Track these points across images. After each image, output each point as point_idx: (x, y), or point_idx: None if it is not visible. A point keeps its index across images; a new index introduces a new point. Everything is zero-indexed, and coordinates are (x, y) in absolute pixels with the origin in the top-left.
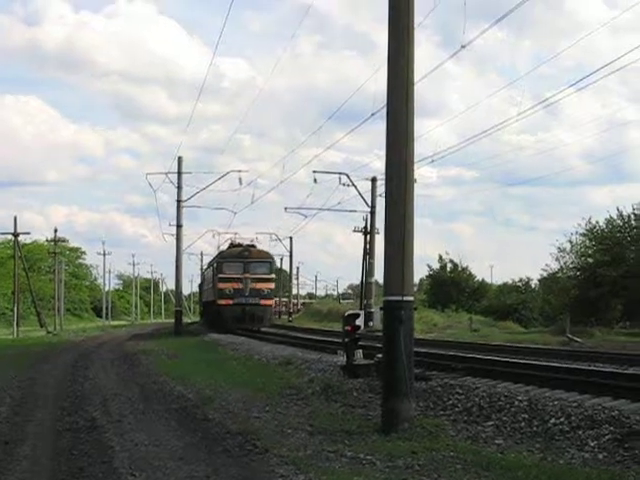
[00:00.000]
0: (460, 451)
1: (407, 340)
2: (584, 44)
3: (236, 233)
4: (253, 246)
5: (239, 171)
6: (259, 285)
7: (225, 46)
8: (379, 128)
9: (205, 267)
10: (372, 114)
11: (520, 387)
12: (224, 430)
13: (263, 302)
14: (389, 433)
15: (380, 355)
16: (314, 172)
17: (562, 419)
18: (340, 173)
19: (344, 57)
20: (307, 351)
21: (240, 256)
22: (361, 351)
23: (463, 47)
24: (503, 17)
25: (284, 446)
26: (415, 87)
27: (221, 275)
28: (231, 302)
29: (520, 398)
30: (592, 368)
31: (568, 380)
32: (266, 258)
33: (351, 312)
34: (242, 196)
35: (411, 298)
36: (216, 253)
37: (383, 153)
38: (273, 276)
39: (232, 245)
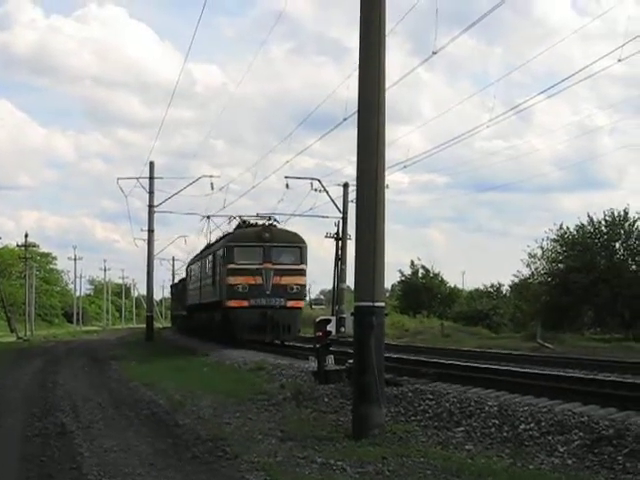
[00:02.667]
0: (430, 457)
1: (378, 346)
2: (555, 51)
3: (239, 216)
4: (274, 225)
5: (211, 176)
6: (285, 279)
7: (197, 51)
8: (351, 134)
9: (192, 259)
10: (344, 119)
11: (491, 392)
12: (194, 436)
13: (291, 304)
14: (360, 439)
15: (351, 361)
16: (286, 177)
17: (532, 424)
18: (312, 179)
19: (316, 63)
20: (278, 357)
21: (259, 238)
22: (332, 357)
23: (434, 53)
24: (473, 24)
25: (254, 452)
26: (387, 93)
27: (232, 265)
28: (246, 304)
29: (490, 404)
30: (562, 374)
31: (538, 386)
32: (295, 242)
33: (322, 318)
34: (214, 201)
35: (382, 304)
36: (219, 237)
37: (355, 159)
38: (304, 267)
39: (244, 224)
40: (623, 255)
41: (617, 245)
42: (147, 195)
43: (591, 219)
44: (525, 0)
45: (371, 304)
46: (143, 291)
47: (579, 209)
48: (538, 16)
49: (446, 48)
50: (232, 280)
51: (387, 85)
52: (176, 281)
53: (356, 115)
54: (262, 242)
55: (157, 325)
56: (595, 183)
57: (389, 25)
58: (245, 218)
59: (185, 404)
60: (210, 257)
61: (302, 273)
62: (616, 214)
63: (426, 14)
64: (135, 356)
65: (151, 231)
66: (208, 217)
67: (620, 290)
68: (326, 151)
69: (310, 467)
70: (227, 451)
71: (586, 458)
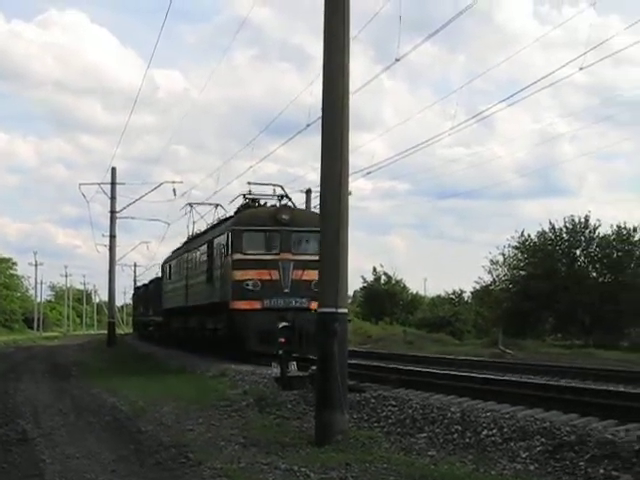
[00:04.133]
0: (393, 463)
1: (341, 352)
2: (516, 59)
3: (243, 194)
4: (289, 206)
5: (173, 182)
6: (309, 274)
7: (159, 57)
8: (314, 140)
9: (172, 255)
10: (307, 125)
11: (453, 399)
12: (157, 442)
13: (315, 306)
14: (323, 445)
15: (314, 367)
16: (248, 183)
17: (494, 431)
18: (275, 185)
19: (279, 69)
20: (241, 363)
21: (275, 221)
22: (295, 363)
23: (397, 60)
24: (436, 32)
25: (217, 458)
26: (350, 100)
27: (239, 256)
28: (257, 306)
29: (453, 410)
30: (524, 380)
31: (500, 392)
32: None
33: (285, 324)
34: (176, 207)
35: (345, 310)
36: (216, 221)
37: (318, 165)
38: None
39: (253, 203)
40: (584, 262)
41: (578, 252)
42: (109, 201)
43: (552, 226)
44: (487, 8)
45: (334, 310)
46: (104, 297)
47: (540, 216)
48: (499, 24)
49: (408, 56)
50: (239, 275)
51: (350, 91)
52: (141, 284)
53: (319, 121)
54: (279, 225)
55: (119, 331)
56: (556, 190)
57: (352, 32)
58: (250, 196)
59: (147, 410)
60: (203, 248)
61: None
62: (577, 221)
63: (388, 21)
64: (97, 362)
65: (113, 237)
66: (191, 205)
67: (580, 297)
68: (289, 157)
69: (274, 473)
70: (190, 457)
71: (548, 464)
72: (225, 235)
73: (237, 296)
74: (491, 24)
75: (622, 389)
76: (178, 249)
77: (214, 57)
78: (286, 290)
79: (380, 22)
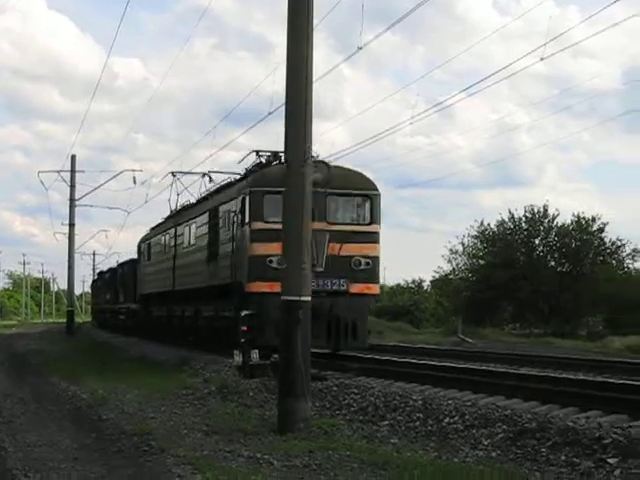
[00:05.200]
0: (356, 450)
1: (304, 340)
2: (476, 49)
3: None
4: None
5: (133, 170)
6: (349, 249)
7: (118, 45)
8: (275, 128)
9: (154, 230)
10: (269, 113)
11: (415, 387)
12: (119, 430)
13: (358, 288)
14: (285, 433)
15: (276, 355)
16: (209, 172)
17: (456, 418)
18: (235, 173)
19: (239, 58)
20: (203, 352)
21: None
22: (257, 351)
23: (360, 49)
24: (397, 22)
25: (180, 446)
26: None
27: (259, 225)
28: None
29: (415, 397)
30: (485, 368)
31: (462, 380)
32: (364, 187)
33: (248, 312)
34: (136, 195)
35: (308, 298)
36: (224, 182)
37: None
38: (378, 229)
39: (274, 158)
40: (542, 251)
41: (537, 241)
42: (68, 189)
43: (512, 215)
44: None
45: (298, 298)
46: (63, 285)
47: (499, 206)
48: (459, 14)
49: (369, 45)
50: (260, 249)
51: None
52: (108, 268)
53: (281, 109)
54: (312, 187)
55: (77, 320)
56: (515, 180)
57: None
58: (265, 151)
59: (109, 399)
60: (201, 219)
61: (375, 239)
62: (536, 211)
63: (348, 10)
64: (56, 350)
65: (72, 225)
66: (173, 174)
67: (539, 286)
68: (250, 146)
69: (237, 461)
70: (153, 445)
71: (510, 450)
72: (238, 200)
73: (256, 275)
74: (451, 15)
75: (581, 377)
76: (160, 224)
77: (174, 46)
78: (320, 269)
79: (339, 11)
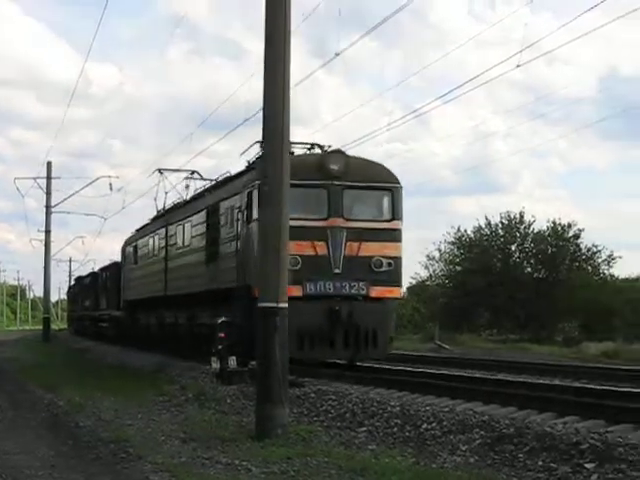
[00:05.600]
0: (334, 456)
1: (281, 346)
2: (452, 56)
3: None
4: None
5: (109, 177)
6: (368, 248)
7: (94, 51)
8: (251, 135)
9: (140, 232)
10: (245, 119)
11: (393, 393)
12: (96, 438)
13: (379, 292)
14: (263, 439)
15: (254, 362)
16: (185, 178)
17: (434, 424)
18: (211, 180)
19: (215, 64)
20: (180, 358)
21: (322, 172)
22: (234, 358)
23: (337, 55)
24: (373, 29)
25: (158, 453)
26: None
27: None
28: (297, 293)
29: (393, 404)
30: (462, 374)
31: (439, 386)
32: (385, 180)
33: (224, 319)
34: (112, 202)
35: (285, 304)
36: (224, 175)
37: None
38: (400, 226)
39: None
40: (519, 258)
41: (513, 248)
42: (44, 195)
43: (488, 222)
44: (422, 6)
45: (275, 305)
46: (39, 293)
47: (476, 212)
48: (435, 22)
49: (345, 51)
50: None
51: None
52: (88, 273)
53: (258, 115)
54: (327, 178)
55: (53, 327)
56: (491, 187)
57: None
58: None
59: (85, 406)
60: (198, 217)
61: (397, 237)
62: (512, 217)
63: (324, 17)
64: (32, 358)
65: (48, 232)
66: (161, 171)
67: (516, 292)
68: (226, 151)
69: (215, 467)
70: (130, 452)
71: (488, 456)
72: (243, 194)
73: None
74: (427, 22)
75: (558, 382)
76: (147, 225)
77: (150, 52)
78: (337, 270)
79: (316, 17)
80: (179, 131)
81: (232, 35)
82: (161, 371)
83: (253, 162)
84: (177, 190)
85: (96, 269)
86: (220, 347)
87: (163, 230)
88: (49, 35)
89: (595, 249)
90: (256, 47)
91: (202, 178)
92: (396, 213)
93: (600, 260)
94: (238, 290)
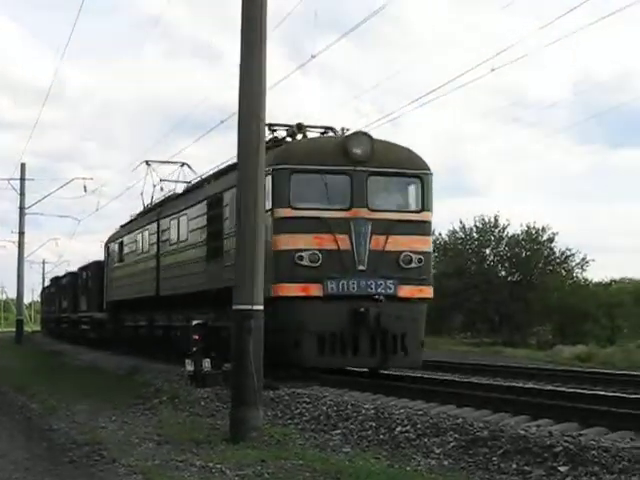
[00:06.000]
0: (309, 459)
1: (256, 349)
2: (427, 59)
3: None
4: (366, 134)
5: (83, 178)
6: (396, 242)
7: (70, 51)
8: (224, 138)
9: (124, 229)
10: (221, 121)
11: (367, 396)
12: (70, 440)
13: (408, 292)
14: (238, 442)
15: (228, 364)
16: (161, 180)
17: (408, 427)
18: (186, 182)
19: (190, 66)
20: (154, 361)
21: (344, 157)
22: (209, 360)
23: (313, 57)
24: (349, 32)
25: (132, 456)
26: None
27: (284, 212)
28: (317, 292)
29: (367, 407)
30: (437, 377)
31: (414, 389)
32: (413, 167)
33: (199, 321)
34: (87, 204)
35: (261, 307)
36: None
37: (230, 162)
38: (430, 217)
39: (300, 130)
40: (493, 261)
41: (487, 251)
42: (18, 197)
43: (463, 225)
44: (398, 9)
45: (250, 307)
46: (12, 294)
47: (450, 215)
48: (411, 25)
49: (322, 54)
50: (285, 242)
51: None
52: (65, 273)
53: (233, 117)
54: (350, 164)
55: (27, 329)
56: (465, 190)
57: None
58: (280, 125)
59: (59, 409)
60: (197, 209)
61: (427, 230)
62: (487, 220)
63: (300, 19)
64: (5, 360)
65: (22, 233)
66: (148, 163)
67: (490, 295)
68: (200, 153)
69: (189, 470)
70: (104, 455)
71: (462, 459)
72: (274, 176)
73: (283, 276)
74: (403, 25)
75: (532, 385)
76: (134, 220)
77: (125, 53)
78: (361, 267)
79: (294, 20)
80: (155, 133)
81: (208, 36)
82: (136, 374)
83: (276, 143)
84: (175, 183)
85: (70, 270)
86: (194, 349)
87: (155, 224)
88: (24, 35)
89: (569, 252)
90: (232, 49)
91: (190, 168)
92: (426, 203)
93: (574, 264)
94: (221, 290)
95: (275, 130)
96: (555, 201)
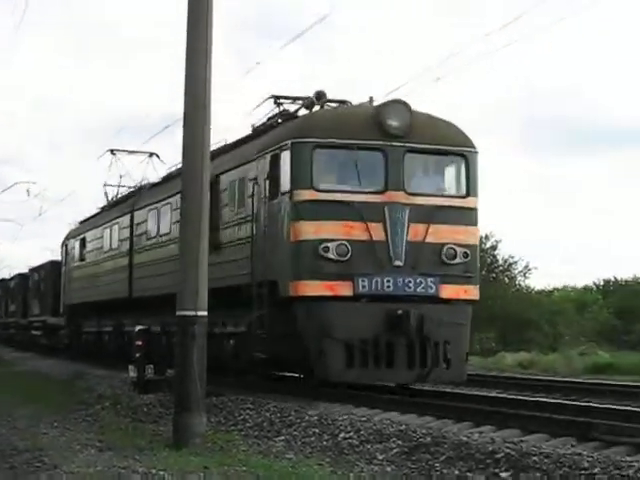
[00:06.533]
0: (252, 466)
1: (199, 355)
2: (371, 68)
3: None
4: (403, 103)
5: (26, 182)
6: (438, 233)
7: (13, 52)
8: (172, 140)
9: (87, 221)
10: (166, 126)
11: (310, 402)
12: (10, 447)
13: (452, 292)
14: (181, 448)
15: (171, 370)
16: (105, 185)
17: (352, 433)
18: (131, 187)
19: (137, 70)
20: (97, 367)
21: (374, 129)
22: (152, 366)
23: (258, 63)
24: (297, 37)
25: (74, 462)
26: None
27: (306, 195)
28: (346, 291)
29: (310, 413)
30: (379, 384)
31: (357, 396)
32: (458, 144)
33: (142, 327)
34: (29, 208)
35: (204, 313)
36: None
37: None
38: (476, 204)
39: (319, 100)
40: None
41: None
42: None
43: None
44: (346, 17)
45: (194, 314)
46: None
47: None
48: (355, 33)
49: (266, 61)
50: (307, 230)
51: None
52: (13, 275)
53: (179, 122)
54: (384, 138)
55: None
56: None
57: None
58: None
59: None
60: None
61: (473, 219)
62: None
63: (248, 27)
64: None
65: None
66: (113, 152)
67: None
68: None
69: (131, 477)
70: (45, 462)
71: (404, 465)
72: (264, 161)
73: (303, 271)
74: (347, 33)
75: (475, 392)
76: (99, 214)
77: (68, 55)
78: (397, 262)
79: (240, 27)
80: (102, 136)
81: (155, 39)
82: (79, 379)
83: (266, 125)
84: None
85: (13, 274)
86: (138, 355)
87: (127, 217)
88: None
89: (512, 260)
90: (178, 53)
91: (159, 158)
92: (472, 187)
93: (516, 271)
94: (258, 288)
95: (281, 104)
96: (498, 209)
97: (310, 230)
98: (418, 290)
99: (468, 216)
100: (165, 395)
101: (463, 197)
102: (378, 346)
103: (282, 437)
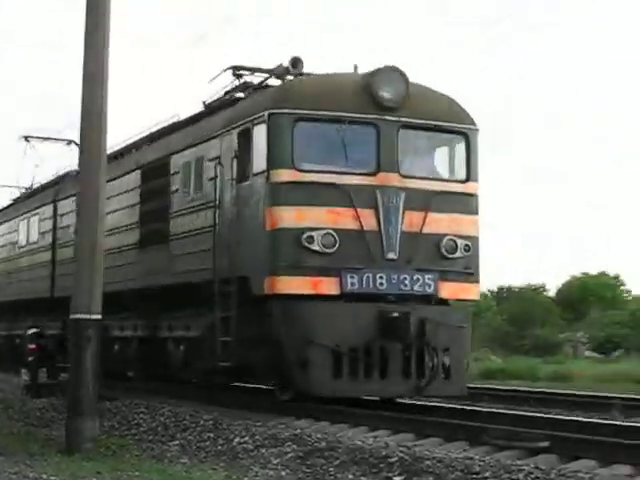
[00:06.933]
0: (145, 470)
1: (93, 359)
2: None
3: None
4: (398, 71)
5: None
6: (437, 222)
7: None
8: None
9: (11, 205)
10: (66, 127)
11: (205, 406)
12: None
13: (452, 290)
14: (73, 453)
15: (64, 374)
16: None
17: (247, 438)
18: (19, 187)
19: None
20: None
21: (364, 101)
22: (45, 370)
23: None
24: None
25: None
26: None
27: (285, 175)
28: (332, 289)
29: (205, 417)
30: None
31: (252, 400)
32: (457, 120)
33: (34, 331)
34: None
35: (99, 316)
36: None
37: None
38: (477, 190)
39: (296, 66)
40: None
41: None
42: None
43: None
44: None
45: (88, 317)
46: None
47: None
48: None
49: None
50: (287, 217)
51: None
52: None
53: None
54: (376, 111)
55: None
56: None
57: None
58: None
59: None
60: (124, 181)
61: (474, 207)
62: None
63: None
64: None
65: None
66: (27, 139)
67: None
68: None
69: None
70: None
71: (299, 470)
72: (230, 137)
73: (282, 265)
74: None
75: (376, 398)
76: (13, 205)
77: None
78: (391, 255)
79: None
80: (7, 137)
81: (52, 35)
82: None
83: (223, 99)
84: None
85: None
86: (30, 359)
87: (49, 207)
88: None
89: None
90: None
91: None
92: (472, 171)
93: None
94: (222, 285)
95: (241, 75)
96: None
97: (290, 216)
98: (415, 288)
99: (469, 203)
100: (58, 399)
101: (463, 182)
102: (370, 354)
103: (176, 441)
